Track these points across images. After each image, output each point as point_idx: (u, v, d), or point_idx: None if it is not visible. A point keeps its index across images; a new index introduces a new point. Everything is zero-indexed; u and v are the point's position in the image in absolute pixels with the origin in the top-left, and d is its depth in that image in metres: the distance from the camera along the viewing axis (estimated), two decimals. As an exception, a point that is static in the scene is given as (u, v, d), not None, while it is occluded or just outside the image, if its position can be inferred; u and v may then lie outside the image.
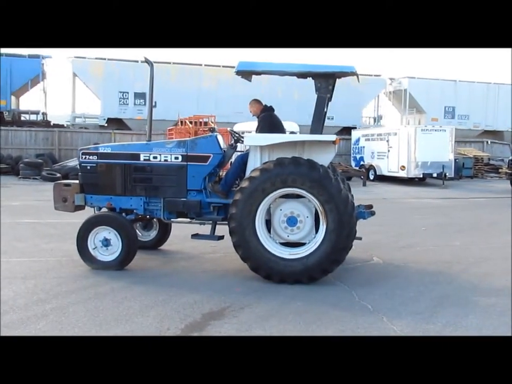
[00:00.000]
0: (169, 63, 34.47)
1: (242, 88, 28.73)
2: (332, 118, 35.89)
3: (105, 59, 33.56)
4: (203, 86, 34.14)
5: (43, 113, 34.74)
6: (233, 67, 7.62)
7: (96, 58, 33.42)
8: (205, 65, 35.18)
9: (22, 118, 34.13)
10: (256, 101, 8.49)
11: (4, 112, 32.23)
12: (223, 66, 34.77)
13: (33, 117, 34.43)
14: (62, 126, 33.95)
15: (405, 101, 39.87)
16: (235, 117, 30.19)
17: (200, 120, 24.75)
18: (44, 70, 33.85)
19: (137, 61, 32.16)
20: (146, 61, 7.78)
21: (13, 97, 33.32)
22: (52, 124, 33.71)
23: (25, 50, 32.31)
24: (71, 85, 35.23)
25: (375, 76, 39.32)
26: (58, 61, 78.95)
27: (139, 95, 33.30)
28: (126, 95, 33.60)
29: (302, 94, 32.06)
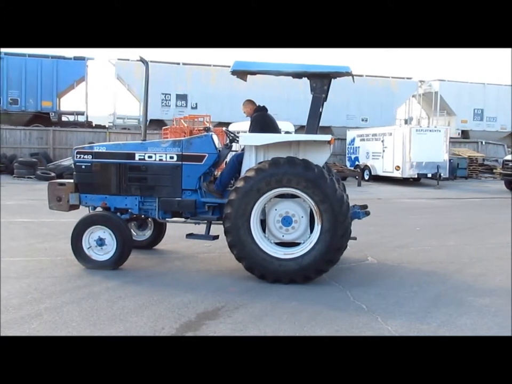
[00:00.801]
0: (210, 65, 35.50)
1: (279, 90, 32.05)
2: (366, 120, 37.60)
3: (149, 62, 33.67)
4: (241, 88, 33.24)
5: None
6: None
7: (138, 61, 33.21)
8: None
9: (64, 119, 34.67)
10: (249, 102, 8.54)
11: (50, 113, 32.86)
12: None
13: (72, 117, 35.17)
14: (104, 127, 34.63)
15: (435, 103, 40.64)
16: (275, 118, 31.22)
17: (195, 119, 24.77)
18: (87, 72, 34.61)
19: (178, 63, 34.73)
20: (142, 61, 7.77)
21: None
22: (94, 125, 34.51)
23: (71, 52, 33.23)
24: (113, 86, 36.02)
25: (407, 78, 40.52)
26: (98, 62, 79.32)
27: (181, 97, 34.38)
28: (168, 97, 34.49)
29: (349, 97, 35.61)
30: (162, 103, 34.50)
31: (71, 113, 35.45)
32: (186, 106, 34.65)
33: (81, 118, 34.93)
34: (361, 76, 36.78)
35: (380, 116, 37.58)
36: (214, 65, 35.51)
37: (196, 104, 34.82)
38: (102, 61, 68.95)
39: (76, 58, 33.11)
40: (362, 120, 38.03)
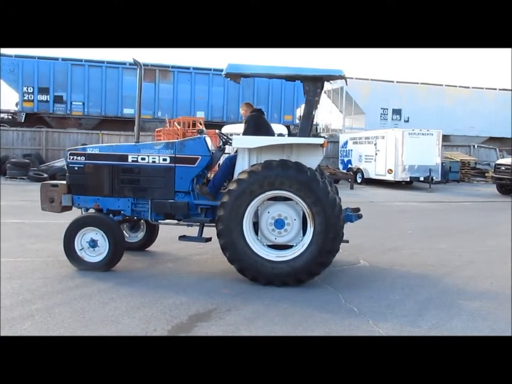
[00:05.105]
0: (417, 83, 40.09)
1: (476, 106, 39.36)
2: None
3: (368, 79, 39.47)
4: (445, 104, 39.84)
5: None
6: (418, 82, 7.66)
7: (362, 79, 38.99)
8: (446, 85, 41.18)
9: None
10: (246, 104, 8.64)
11: (290, 126, 35.38)
12: (459, 87, 41.13)
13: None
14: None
15: None
16: (468, 130, 39.54)
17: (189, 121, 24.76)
18: None
19: (392, 81, 39.83)
20: (135, 63, 7.76)
21: None
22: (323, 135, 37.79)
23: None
24: (341, 101, 39.89)
25: None
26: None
27: (396, 111, 39.51)
28: (385, 111, 39.01)
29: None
30: (380, 116, 39.32)
31: (296, 125, 38.20)
32: (400, 119, 39.40)
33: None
34: None
35: None
36: (421, 83, 40.55)
37: (408, 117, 39.08)
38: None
39: None
40: None
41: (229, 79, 7.95)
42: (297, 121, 36.84)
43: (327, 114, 43.71)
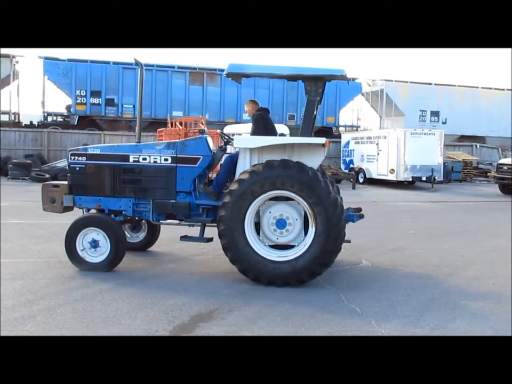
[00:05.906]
0: (454, 85, 41.50)
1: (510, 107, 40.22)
2: None
3: (407, 82, 40.77)
4: (481, 106, 40.88)
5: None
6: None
7: (401, 81, 40.60)
8: (481, 87, 41.94)
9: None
10: (252, 102, 8.61)
11: (332, 128, 37.00)
12: (494, 89, 41.99)
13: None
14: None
15: None
16: (503, 131, 40.63)
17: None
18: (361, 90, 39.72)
19: (430, 83, 41.01)
20: (136, 63, 7.75)
21: None
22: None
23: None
24: (381, 103, 40.72)
25: None
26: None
27: (434, 113, 40.62)
28: (424, 113, 40.64)
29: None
30: (419, 118, 40.20)
31: (349, 126, 40.21)
32: (438, 121, 40.39)
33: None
34: None
35: None
36: (458, 85, 41.60)
37: (446, 119, 40.16)
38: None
39: (352, 79, 37.15)
40: None
41: (230, 79, 7.95)
42: (338, 123, 38.27)
43: (365, 114, 44.27)
